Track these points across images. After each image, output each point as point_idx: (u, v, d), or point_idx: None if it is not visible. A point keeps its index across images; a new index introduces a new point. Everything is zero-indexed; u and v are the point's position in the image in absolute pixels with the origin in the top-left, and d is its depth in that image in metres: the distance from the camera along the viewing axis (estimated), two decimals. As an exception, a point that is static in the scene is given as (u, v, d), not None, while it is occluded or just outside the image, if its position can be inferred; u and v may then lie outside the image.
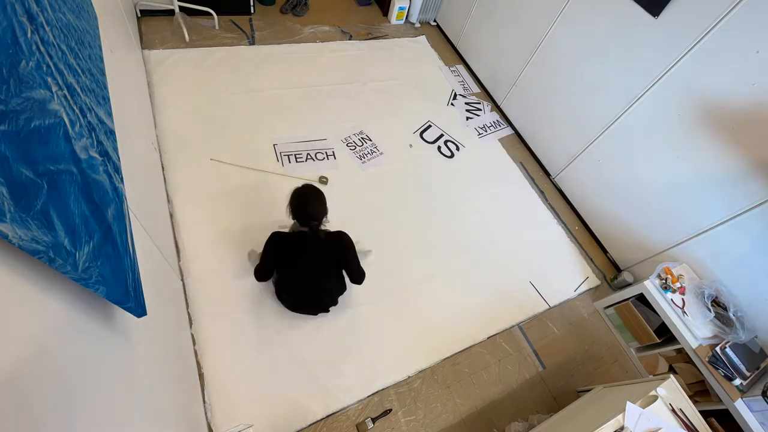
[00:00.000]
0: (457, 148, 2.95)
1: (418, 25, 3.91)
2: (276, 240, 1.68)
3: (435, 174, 2.73)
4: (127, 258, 0.93)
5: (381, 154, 2.72)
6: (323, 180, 2.19)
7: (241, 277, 2.00)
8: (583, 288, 2.49)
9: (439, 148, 2.91)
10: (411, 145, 2.82)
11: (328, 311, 1.94)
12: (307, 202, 1.65)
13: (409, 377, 1.93)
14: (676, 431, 1.32)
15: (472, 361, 2.05)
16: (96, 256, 0.76)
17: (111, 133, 1.10)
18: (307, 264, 1.70)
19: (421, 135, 2.94)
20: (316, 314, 1.94)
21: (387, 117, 2.96)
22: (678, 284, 2.03)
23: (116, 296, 0.82)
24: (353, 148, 2.70)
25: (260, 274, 1.76)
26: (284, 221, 1.85)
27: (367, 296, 2.10)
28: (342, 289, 1.91)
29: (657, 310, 2.05)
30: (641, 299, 2.17)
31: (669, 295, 2.01)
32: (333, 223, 2.30)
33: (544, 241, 2.62)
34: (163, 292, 1.53)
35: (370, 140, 2.77)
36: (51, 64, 0.75)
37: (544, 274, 2.46)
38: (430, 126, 3.02)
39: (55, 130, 0.70)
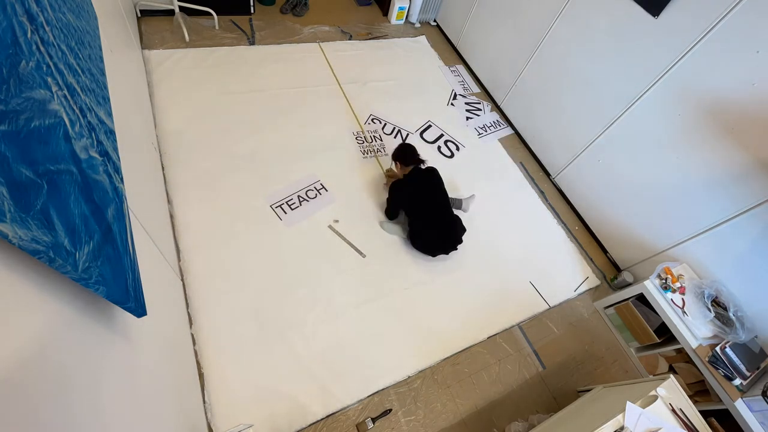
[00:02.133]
0: (457, 148, 2.95)
1: (418, 25, 3.91)
2: (399, 185, 2.25)
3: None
4: (127, 258, 0.93)
5: (384, 155, 2.72)
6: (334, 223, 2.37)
7: (242, 277, 2.00)
8: (583, 288, 2.49)
9: (439, 148, 2.91)
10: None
11: (456, 248, 2.25)
12: (412, 149, 2.31)
13: (409, 377, 1.93)
14: (676, 431, 1.32)
15: (472, 361, 2.05)
16: (96, 256, 0.76)
17: (111, 133, 1.10)
18: (435, 197, 2.23)
19: (421, 135, 2.94)
20: (449, 253, 2.26)
21: (387, 117, 2.95)
22: (678, 284, 2.03)
23: (116, 296, 0.82)
24: (361, 142, 2.74)
25: (390, 214, 2.35)
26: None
27: (367, 295, 2.10)
28: (463, 228, 2.31)
29: (657, 310, 2.05)
30: (641, 299, 2.17)
31: (669, 295, 2.01)
32: (333, 219, 2.31)
33: (544, 241, 2.62)
34: (163, 292, 1.53)
35: (372, 140, 2.77)
36: (51, 64, 0.75)
37: (544, 274, 2.46)
38: (430, 126, 3.02)
39: (55, 130, 0.70)
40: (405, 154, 2.29)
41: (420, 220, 2.22)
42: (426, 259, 2.31)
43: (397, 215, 2.36)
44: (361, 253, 2.24)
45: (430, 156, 2.81)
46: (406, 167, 2.27)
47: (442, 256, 2.31)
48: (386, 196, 2.40)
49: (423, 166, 2.28)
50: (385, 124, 2.91)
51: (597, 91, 2.47)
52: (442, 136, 2.99)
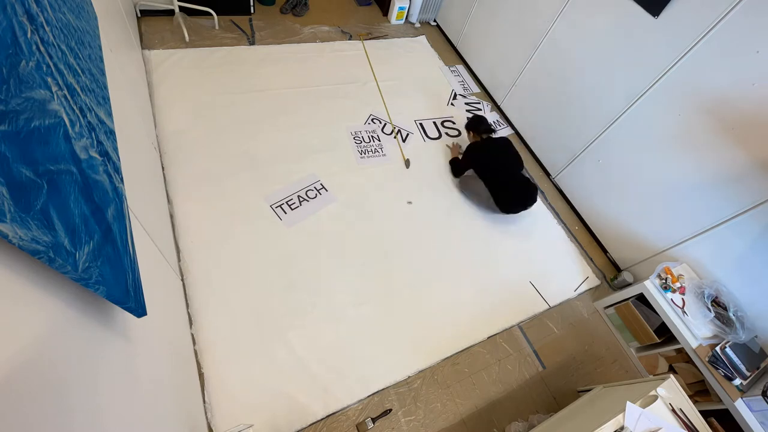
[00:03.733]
0: (459, 134, 2.94)
1: (418, 25, 3.91)
2: (475, 146, 2.55)
3: (435, 173, 2.73)
4: (127, 258, 0.93)
5: (383, 155, 2.72)
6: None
7: (242, 277, 2.00)
8: (583, 288, 2.49)
9: (447, 133, 2.93)
10: (408, 161, 2.76)
11: (532, 205, 2.53)
12: (484, 119, 2.67)
13: (409, 377, 1.93)
14: (676, 431, 1.32)
15: (472, 361, 2.05)
16: (96, 256, 0.76)
17: (111, 133, 1.10)
18: (507, 160, 2.53)
19: (425, 134, 2.94)
20: (526, 208, 2.53)
21: (387, 117, 2.95)
22: (678, 284, 2.03)
23: (116, 296, 0.82)
24: (359, 142, 2.74)
25: (456, 171, 2.69)
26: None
27: (367, 296, 2.10)
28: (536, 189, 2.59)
29: (657, 310, 2.05)
30: (641, 299, 2.17)
31: (669, 295, 2.01)
32: (332, 221, 2.31)
33: (544, 241, 2.62)
34: (163, 292, 1.53)
35: (371, 140, 2.77)
36: (51, 64, 0.75)
37: (544, 274, 2.46)
38: (424, 122, 3.02)
39: (55, 130, 0.70)
40: (477, 124, 2.63)
41: (496, 180, 2.47)
42: (426, 259, 2.31)
43: (463, 173, 2.66)
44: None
45: (429, 155, 2.82)
46: (477, 136, 2.60)
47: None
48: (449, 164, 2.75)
49: (494, 135, 2.59)
50: (385, 124, 2.91)
51: (597, 91, 2.47)
52: (444, 121, 3.02)
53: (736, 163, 1.88)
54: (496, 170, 2.50)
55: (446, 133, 3.01)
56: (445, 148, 2.92)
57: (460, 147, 2.82)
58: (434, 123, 3.06)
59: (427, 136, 2.95)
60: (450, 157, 2.82)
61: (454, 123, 3.11)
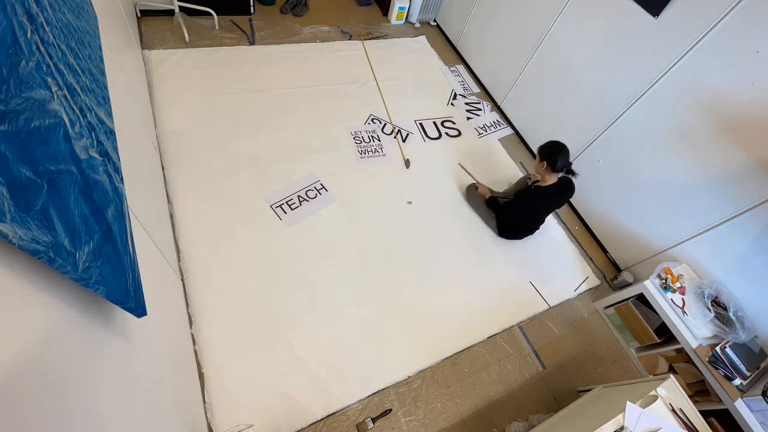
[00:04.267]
0: (459, 134, 2.95)
1: (418, 25, 3.91)
2: (532, 193, 2.23)
3: (434, 173, 2.73)
4: (127, 258, 0.93)
5: (383, 155, 2.72)
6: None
7: (242, 277, 2.00)
8: (583, 288, 2.49)
9: (447, 133, 2.93)
10: (408, 161, 2.76)
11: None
12: (563, 154, 2.11)
13: (409, 377, 1.93)
14: (676, 431, 1.32)
15: (472, 361, 2.05)
16: (96, 256, 0.76)
17: (111, 133, 1.10)
18: (552, 204, 2.33)
19: (424, 134, 2.94)
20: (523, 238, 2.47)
21: (387, 117, 2.95)
22: (678, 284, 2.03)
23: (116, 296, 0.82)
24: (359, 142, 2.74)
25: (493, 203, 2.42)
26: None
27: (367, 296, 2.10)
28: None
29: (657, 310, 2.04)
30: (641, 299, 2.17)
31: (669, 295, 2.01)
32: (332, 221, 2.31)
33: (544, 241, 2.62)
34: (163, 292, 1.53)
35: (371, 140, 2.77)
36: (51, 64, 0.75)
37: (544, 274, 2.46)
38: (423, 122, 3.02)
39: (55, 130, 0.70)
40: (556, 155, 2.08)
41: (518, 214, 2.33)
42: (426, 259, 2.31)
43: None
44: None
45: (430, 155, 2.82)
46: (551, 173, 2.13)
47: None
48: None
49: (570, 176, 2.20)
50: (385, 124, 2.91)
51: (597, 91, 2.47)
52: (444, 121, 3.05)
53: (735, 163, 1.87)
54: (534, 217, 2.36)
55: (446, 133, 3.01)
56: (445, 149, 2.91)
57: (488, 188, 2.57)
58: (434, 123, 3.05)
59: (427, 136, 2.95)
60: (478, 193, 2.52)
61: (454, 123, 3.11)
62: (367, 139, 2.77)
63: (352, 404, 1.80)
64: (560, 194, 2.23)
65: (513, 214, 2.35)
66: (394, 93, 3.14)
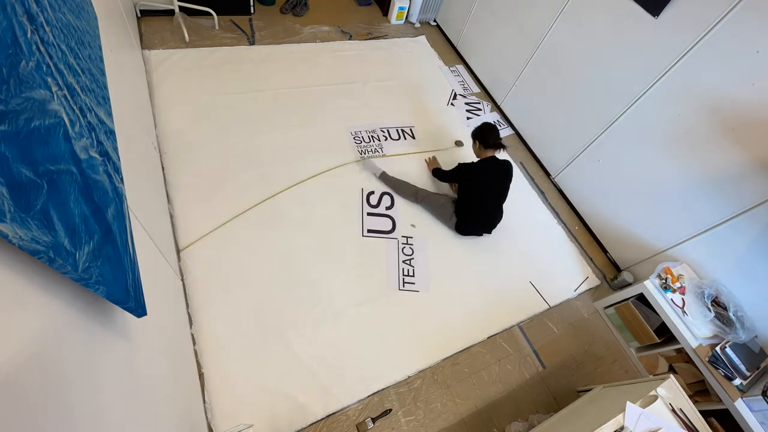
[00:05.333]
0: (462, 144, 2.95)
1: (418, 25, 3.91)
2: (468, 169, 2.29)
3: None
4: (127, 258, 0.93)
5: (383, 155, 2.72)
6: (459, 143, 2.91)
7: (242, 277, 2.00)
8: (583, 288, 2.49)
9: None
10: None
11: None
12: (493, 132, 2.30)
13: (409, 377, 1.93)
14: (676, 431, 1.32)
15: (472, 361, 2.05)
16: (96, 256, 0.76)
17: (111, 133, 1.10)
18: (496, 187, 2.29)
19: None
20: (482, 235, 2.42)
21: (387, 117, 2.95)
22: (678, 284, 2.03)
23: (116, 296, 0.82)
24: (359, 142, 2.74)
25: (442, 177, 2.47)
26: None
27: (366, 296, 2.10)
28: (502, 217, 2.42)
29: (657, 310, 2.04)
30: (641, 299, 2.17)
31: (669, 294, 2.01)
32: (333, 219, 2.31)
33: (544, 241, 2.62)
34: (163, 292, 1.53)
35: (371, 140, 2.77)
36: (51, 64, 0.75)
37: (544, 274, 2.46)
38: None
39: (55, 130, 0.70)
40: (486, 134, 2.29)
41: (469, 203, 2.30)
42: (426, 259, 2.31)
43: (447, 181, 2.49)
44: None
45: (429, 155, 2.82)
46: (484, 150, 2.31)
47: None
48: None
49: (500, 154, 2.31)
50: (385, 125, 2.91)
51: (597, 91, 2.47)
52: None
53: (736, 163, 1.87)
54: (480, 196, 2.28)
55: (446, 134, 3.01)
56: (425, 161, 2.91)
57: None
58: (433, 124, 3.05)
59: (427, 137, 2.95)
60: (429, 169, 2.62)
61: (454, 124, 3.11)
62: (367, 139, 2.77)
63: (352, 404, 1.80)
64: (501, 170, 2.29)
65: (466, 194, 2.31)
66: (394, 93, 3.14)
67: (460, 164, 2.35)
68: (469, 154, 2.71)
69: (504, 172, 2.31)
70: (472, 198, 2.29)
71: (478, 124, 2.38)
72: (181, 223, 2.08)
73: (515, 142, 3.18)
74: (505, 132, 3.21)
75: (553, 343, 2.22)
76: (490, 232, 2.41)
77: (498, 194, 2.32)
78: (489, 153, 2.31)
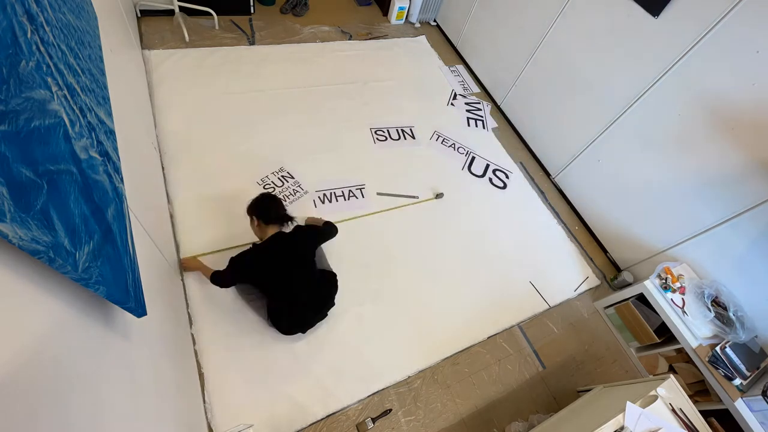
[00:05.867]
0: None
1: (418, 25, 3.91)
2: (253, 253, 1.74)
3: (434, 173, 2.73)
4: (127, 258, 0.93)
5: (384, 155, 2.72)
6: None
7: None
8: (583, 288, 2.49)
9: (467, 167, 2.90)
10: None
11: (326, 316, 1.91)
12: (274, 203, 1.84)
13: (409, 377, 1.93)
14: (676, 431, 1.32)
15: (472, 361, 2.05)
16: (96, 256, 0.76)
17: (111, 133, 1.10)
18: (300, 270, 1.76)
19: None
20: (314, 325, 1.88)
21: (387, 117, 2.95)
22: (678, 284, 2.03)
23: (116, 296, 0.82)
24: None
25: (224, 280, 1.75)
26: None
27: (367, 296, 2.10)
28: (335, 286, 1.92)
29: (657, 310, 2.04)
30: (641, 299, 2.17)
31: (669, 294, 2.01)
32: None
33: (544, 241, 2.62)
34: (163, 292, 1.53)
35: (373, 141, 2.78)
36: (51, 64, 0.75)
37: (544, 274, 2.46)
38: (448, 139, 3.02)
39: (55, 130, 0.70)
40: (267, 205, 1.80)
41: (275, 297, 1.77)
42: (426, 259, 2.31)
43: (232, 285, 1.84)
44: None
45: (429, 155, 2.81)
46: (265, 227, 1.79)
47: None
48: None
49: (288, 227, 1.83)
50: (385, 125, 2.91)
51: (597, 91, 2.47)
52: (488, 166, 2.99)
53: (736, 163, 1.87)
54: (277, 283, 1.72)
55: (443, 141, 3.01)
56: (442, 152, 2.91)
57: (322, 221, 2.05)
58: (433, 123, 3.05)
59: (428, 137, 2.95)
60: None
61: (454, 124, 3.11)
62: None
63: (352, 404, 1.80)
64: (290, 241, 1.77)
65: (252, 278, 1.78)
66: (394, 93, 3.14)
67: (231, 259, 1.73)
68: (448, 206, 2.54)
69: (295, 240, 1.79)
70: (279, 286, 1.73)
71: (254, 197, 1.86)
72: (181, 223, 2.08)
73: (515, 142, 3.18)
74: (505, 133, 3.21)
75: (553, 343, 2.22)
76: (311, 324, 1.86)
77: (304, 260, 1.79)
78: (273, 230, 1.79)
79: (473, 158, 2.91)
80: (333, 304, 1.91)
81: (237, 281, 1.81)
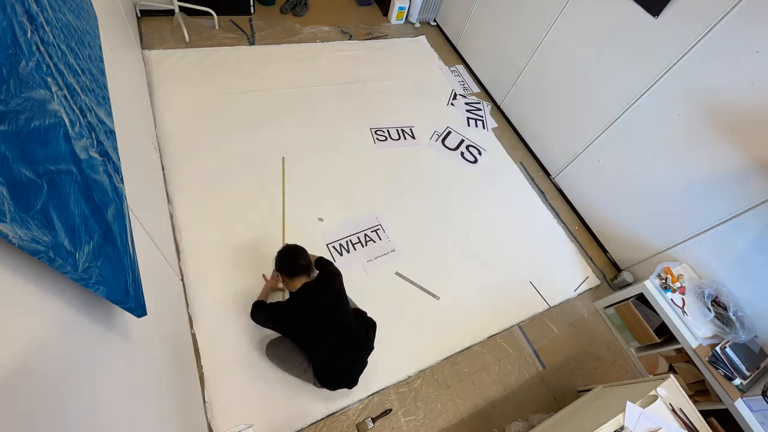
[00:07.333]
0: (479, 153, 2.95)
1: (418, 25, 3.91)
2: (277, 311, 1.67)
3: (434, 173, 2.73)
4: (127, 258, 0.93)
5: (383, 155, 2.72)
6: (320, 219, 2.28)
7: (241, 277, 2.00)
8: (583, 288, 2.49)
9: (462, 154, 2.90)
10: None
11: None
12: (296, 255, 1.70)
13: (409, 377, 1.93)
14: (676, 431, 1.32)
15: (472, 361, 2.05)
16: (96, 256, 0.76)
17: (111, 133, 1.10)
18: (337, 317, 1.66)
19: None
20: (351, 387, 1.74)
21: (387, 116, 2.95)
22: (678, 284, 2.03)
23: (116, 296, 0.82)
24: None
25: (259, 316, 1.71)
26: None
27: (366, 296, 2.09)
28: (372, 327, 1.86)
29: (657, 310, 2.04)
30: (641, 299, 2.17)
31: (669, 294, 2.01)
32: (333, 218, 2.30)
33: (544, 241, 2.62)
34: (163, 292, 1.53)
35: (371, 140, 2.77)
36: (51, 64, 0.75)
37: (544, 274, 2.46)
38: (449, 132, 3.02)
39: (55, 130, 0.70)
40: (291, 259, 1.68)
41: (316, 352, 1.67)
42: (426, 259, 2.31)
43: (263, 324, 1.75)
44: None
45: (429, 155, 2.81)
46: (291, 280, 1.68)
47: None
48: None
49: (312, 276, 1.73)
50: (385, 125, 2.91)
51: (597, 91, 2.47)
52: (462, 141, 2.99)
53: (736, 163, 1.87)
54: (314, 336, 1.64)
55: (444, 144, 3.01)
56: (441, 151, 2.91)
57: (278, 276, 1.84)
58: (433, 123, 3.05)
59: (428, 137, 2.95)
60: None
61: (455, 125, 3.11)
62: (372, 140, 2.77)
63: (352, 404, 1.80)
64: (320, 291, 1.68)
65: (288, 330, 1.71)
66: (394, 93, 3.14)
67: (268, 306, 1.71)
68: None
69: (326, 289, 1.69)
70: (316, 338, 1.65)
71: (279, 250, 1.74)
72: (181, 223, 2.08)
73: (515, 142, 3.18)
74: (505, 132, 3.21)
75: (553, 343, 2.22)
76: (355, 382, 1.73)
77: (338, 310, 1.68)
78: (300, 281, 1.68)
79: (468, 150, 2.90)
80: (372, 347, 1.80)
81: (268, 326, 1.73)
